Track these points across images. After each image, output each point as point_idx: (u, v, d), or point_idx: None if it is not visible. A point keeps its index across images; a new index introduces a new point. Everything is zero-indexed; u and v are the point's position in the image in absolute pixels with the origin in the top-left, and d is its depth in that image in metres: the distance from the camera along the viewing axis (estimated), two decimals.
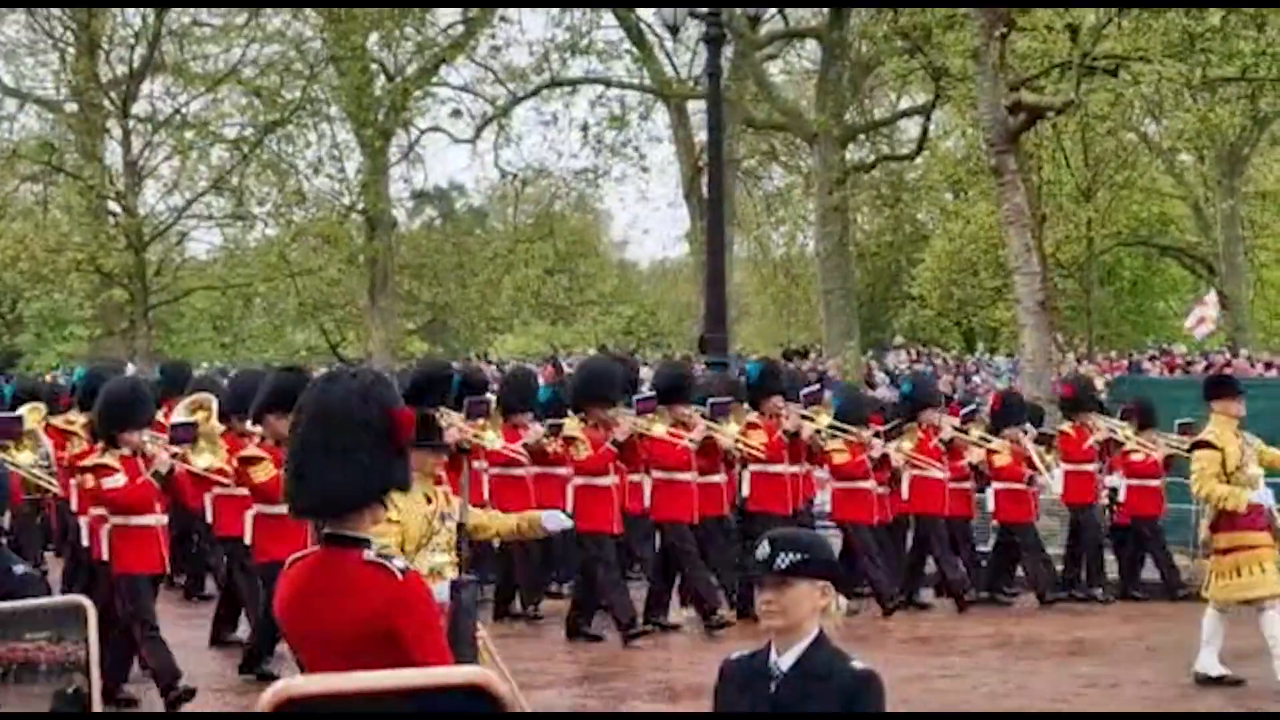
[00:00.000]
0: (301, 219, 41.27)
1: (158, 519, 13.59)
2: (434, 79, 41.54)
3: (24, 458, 15.42)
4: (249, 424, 14.86)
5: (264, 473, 14.03)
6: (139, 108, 40.47)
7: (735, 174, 43.46)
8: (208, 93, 40.79)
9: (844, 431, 18.49)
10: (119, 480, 13.31)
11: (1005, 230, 29.98)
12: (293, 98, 40.36)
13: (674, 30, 27.24)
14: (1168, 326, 52.26)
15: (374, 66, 40.63)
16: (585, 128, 41.96)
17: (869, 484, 18.56)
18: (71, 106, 40.55)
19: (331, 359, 45.66)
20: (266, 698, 3.03)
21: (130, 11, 40.27)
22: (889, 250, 51.51)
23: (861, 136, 44.17)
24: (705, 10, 25.18)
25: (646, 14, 39.67)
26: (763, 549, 5.79)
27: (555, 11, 40.38)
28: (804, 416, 18.19)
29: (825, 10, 39.61)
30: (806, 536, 6.07)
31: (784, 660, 5.68)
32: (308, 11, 40.58)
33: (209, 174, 40.21)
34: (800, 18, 43.18)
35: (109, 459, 13.37)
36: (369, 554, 5.91)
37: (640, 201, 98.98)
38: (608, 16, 41.31)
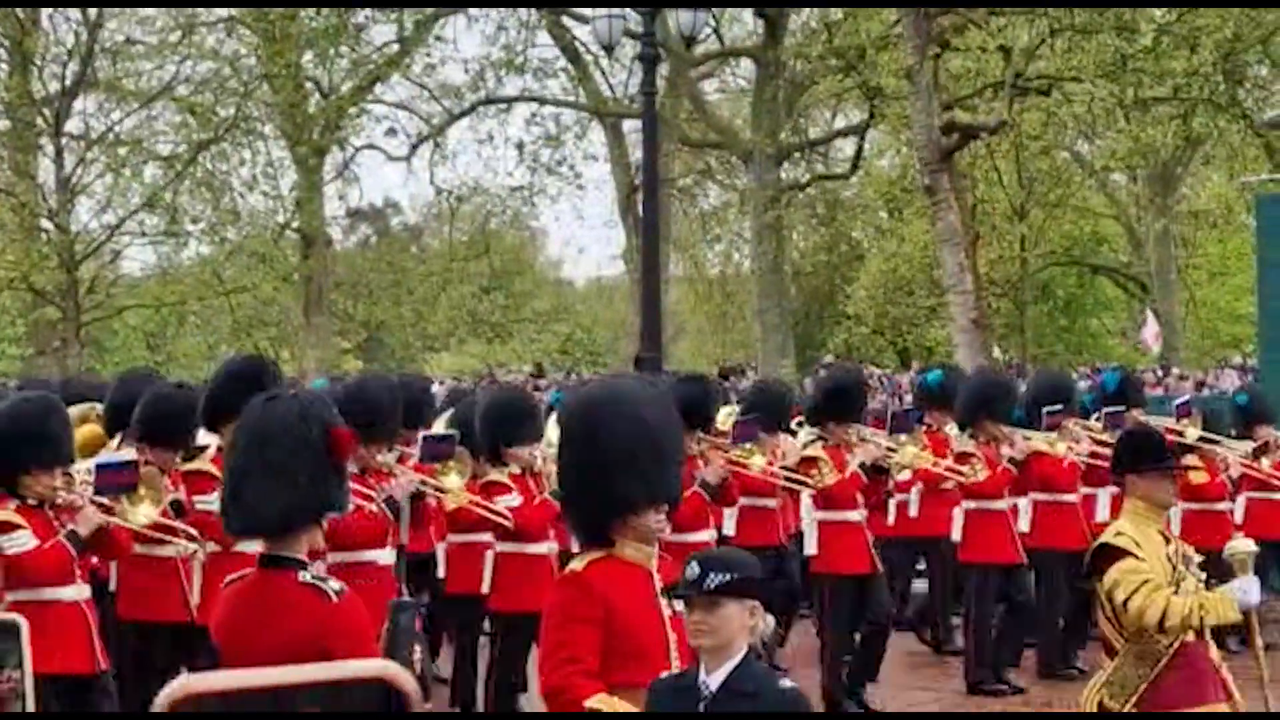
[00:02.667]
0: (236, 237, 41.10)
1: (77, 591, 9.61)
2: (369, 97, 41.49)
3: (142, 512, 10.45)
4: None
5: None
6: (72, 125, 40.26)
7: (671, 192, 43.53)
8: (141, 110, 40.60)
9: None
10: (22, 540, 9.45)
11: (939, 249, 30.17)
12: (227, 115, 40.19)
13: (609, 49, 27.22)
14: (1101, 345, 52.56)
15: (308, 84, 40.52)
16: (521, 146, 42.00)
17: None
18: (3, 123, 40.29)
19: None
20: (164, 695, 2.98)
21: (63, 28, 40.10)
22: (824, 269, 51.64)
23: (796, 155, 44.29)
24: (641, 30, 25.22)
25: (582, 32, 39.73)
26: (692, 569, 5.81)
27: (491, 30, 40.44)
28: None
29: (760, 29, 39.71)
30: (736, 556, 6.09)
31: (713, 679, 5.69)
32: (242, 29, 40.47)
33: (142, 191, 39.98)
34: (735, 37, 43.33)
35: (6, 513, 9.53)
36: (304, 576, 5.90)
37: (576, 220, 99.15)
38: (543, 35, 41.38)
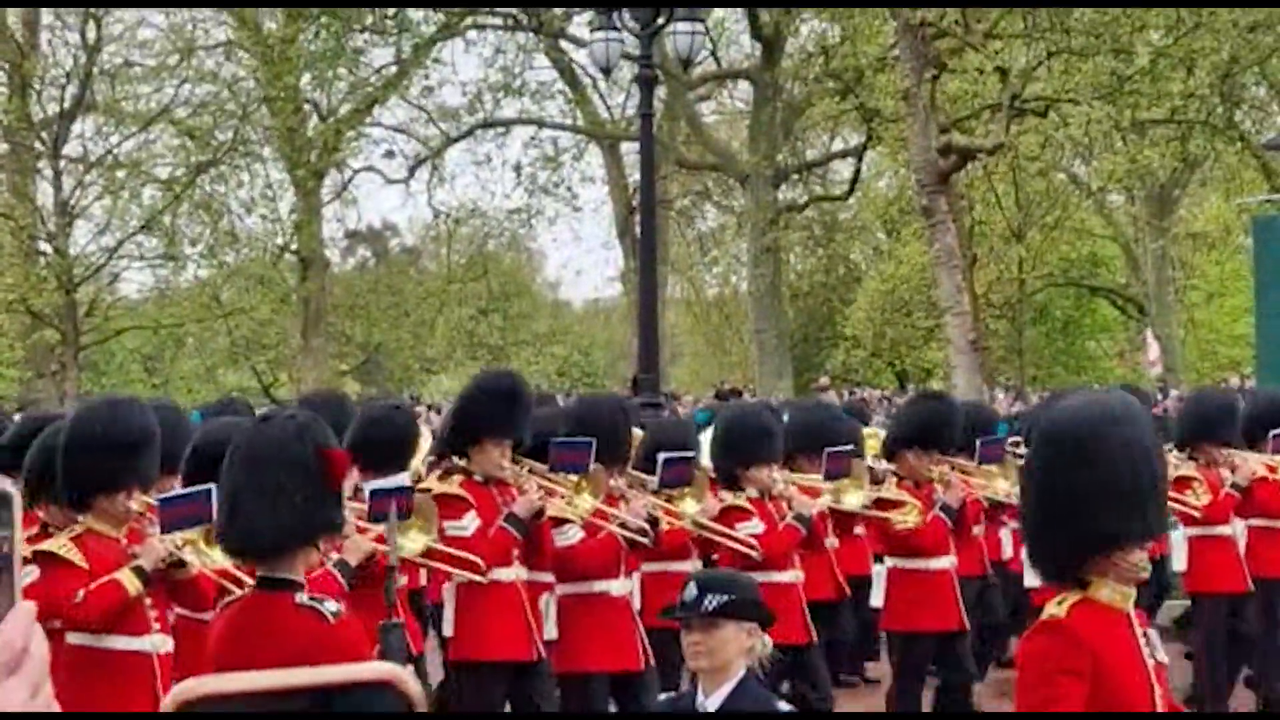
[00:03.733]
0: (234, 259, 41.12)
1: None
2: (367, 119, 41.52)
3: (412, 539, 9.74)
4: None
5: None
6: (70, 148, 40.28)
7: (668, 214, 43.59)
8: (140, 133, 40.61)
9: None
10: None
11: (937, 271, 30.15)
12: (225, 138, 40.23)
13: (606, 71, 27.20)
14: (1099, 367, 52.55)
15: (307, 107, 40.58)
16: (518, 168, 42.03)
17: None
18: (2, 146, 40.30)
19: (264, 400, 45.47)
20: (169, 697, 3.01)
21: (62, 51, 40.16)
22: (822, 290, 51.66)
23: (794, 177, 44.34)
24: (638, 52, 25.23)
25: (579, 55, 39.81)
26: (690, 590, 5.82)
27: (488, 52, 40.50)
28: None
29: (757, 52, 39.77)
30: (733, 578, 6.09)
31: (711, 701, 5.70)
32: (241, 52, 40.55)
33: (141, 214, 39.99)
34: (732, 59, 43.43)
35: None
36: (301, 597, 5.90)
37: (574, 242, 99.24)
38: (540, 58, 41.45)
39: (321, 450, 5.98)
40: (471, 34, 40.72)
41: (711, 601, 5.74)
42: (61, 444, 8.13)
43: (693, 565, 11.30)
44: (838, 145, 47.10)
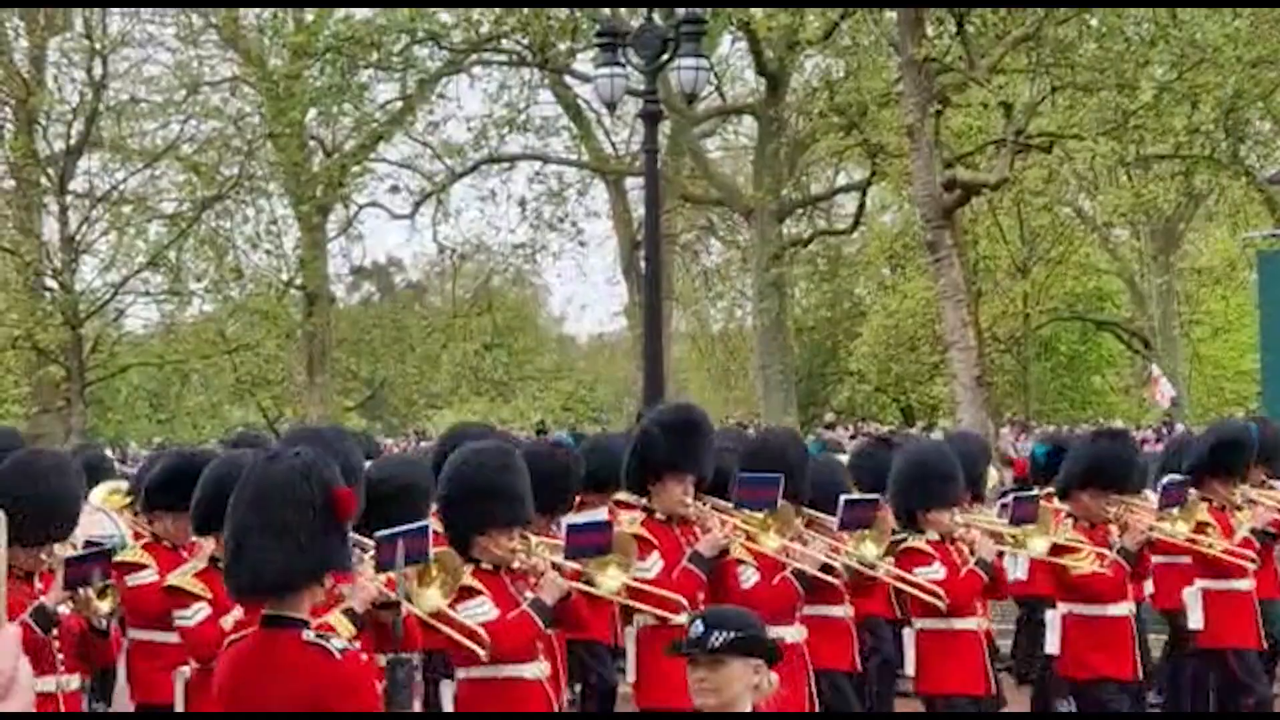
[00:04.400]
0: (239, 295, 41.18)
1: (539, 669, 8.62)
2: (372, 155, 41.58)
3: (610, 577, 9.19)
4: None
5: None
6: (76, 184, 40.36)
7: (673, 249, 43.61)
8: (145, 169, 40.73)
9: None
10: (484, 610, 8.52)
11: (941, 305, 30.15)
12: (231, 174, 40.32)
13: (611, 106, 27.25)
14: (1105, 401, 52.54)
15: (312, 143, 40.71)
16: (523, 203, 42.07)
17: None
18: (8, 182, 40.39)
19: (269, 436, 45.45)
20: None
21: (68, 87, 40.26)
22: (827, 325, 51.69)
23: (799, 212, 44.37)
24: (642, 87, 25.28)
25: (584, 90, 39.86)
26: (696, 627, 5.81)
27: (493, 88, 40.52)
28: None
29: (762, 87, 39.83)
30: (740, 615, 6.08)
31: None
32: (246, 88, 40.66)
33: (146, 250, 40.06)
34: (737, 94, 43.46)
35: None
36: (308, 635, 5.89)
37: (579, 277, 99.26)
38: (545, 93, 41.53)
39: (329, 488, 5.97)
40: (476, 70, 40.83)
41: (718, 638, 5.73)
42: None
43: (844, 610, 11.00)
44: (842, 180, 47.13)
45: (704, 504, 9.78)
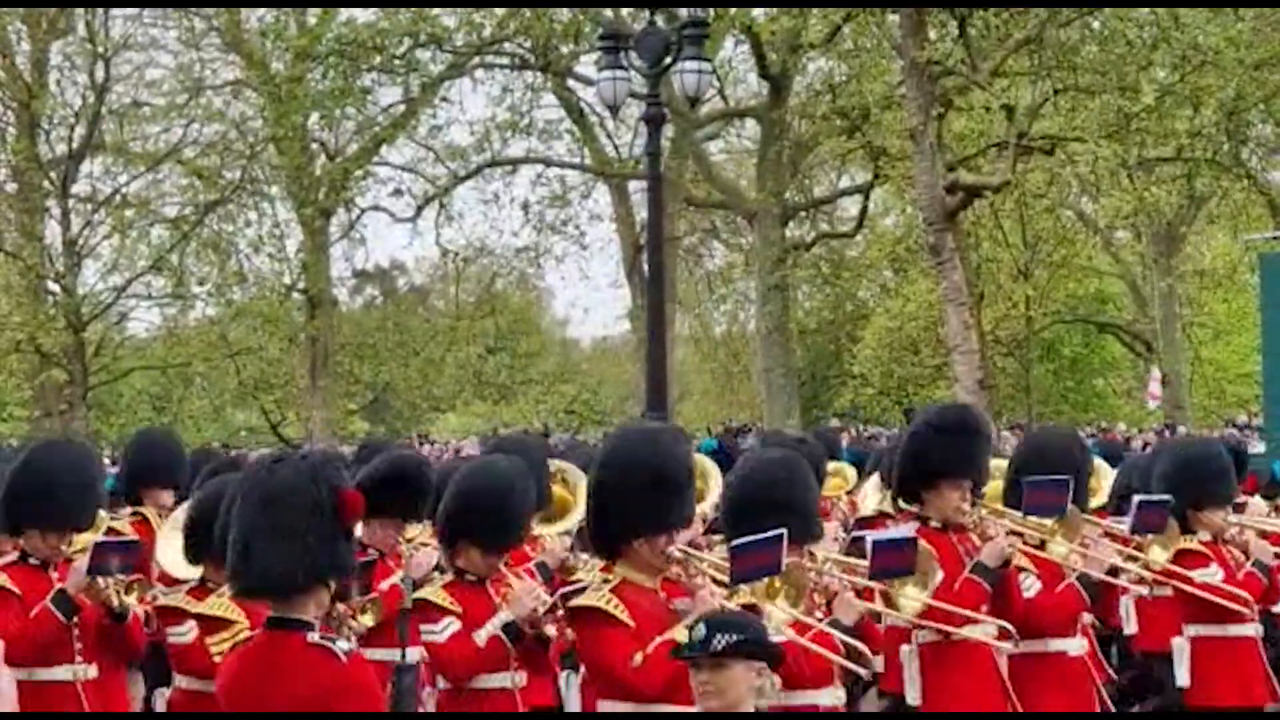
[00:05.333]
0: (242, 298, 41.19)
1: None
2: (374, 158, 41.58)
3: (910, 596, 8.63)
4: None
5: None
6: (79, 187, 40.42)
7: (676, 252, 43.58)
8: (148, 172, 40.77)
9: None
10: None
11: (944, 309, 30.18)
12: (233, 177, 40.38)
13: (614, 110, 27.31)
14: (1107, 404, 52.51)
15: (315, 146, 40.73)
16: (526, 206, 42.10)
17: None
18: (11, 186, 40.41)
19: (272, 439, 45.48)
20: None
21: (70, 91, 40.30)
22: (830, 328, 51.63)
23: (801, 215, 44.34)
24: (645, 91, 25.30)
25: (587, 93, 39.88)
26: (699, 630, 5.81)
27: (496, 91, 40.54)
28: None
29: (764, 90, 39.84)
30: (741, 617, 6.09)
31: None
32: (249, 91, 40.69)
33: (149, 253, 40.11)
34: (740, 98, 43.45)
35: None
36: (313, 637, 5.89)
37: (582, 280, 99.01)
38: (548, 96, 41.53)
39: (336, 491, 5.99)
40: (479, 73, 40.88)
41: (720, 641, 5.74)
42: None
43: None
44: (845, 183, 47.12)
45: (982, 510, 9.06)
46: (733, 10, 35.09)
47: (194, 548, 8.89)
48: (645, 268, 31.42)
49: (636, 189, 41.67)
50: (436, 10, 38.40)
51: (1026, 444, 10.32)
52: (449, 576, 8.72)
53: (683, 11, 26.81)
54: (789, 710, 7.50)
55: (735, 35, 37.96)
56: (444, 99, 41.01)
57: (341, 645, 5.94)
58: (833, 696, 7.80)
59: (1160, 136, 31.31)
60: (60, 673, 8.62)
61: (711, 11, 30.80)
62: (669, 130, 36.67)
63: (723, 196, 42.50)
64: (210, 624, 8.53)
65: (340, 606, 7.58)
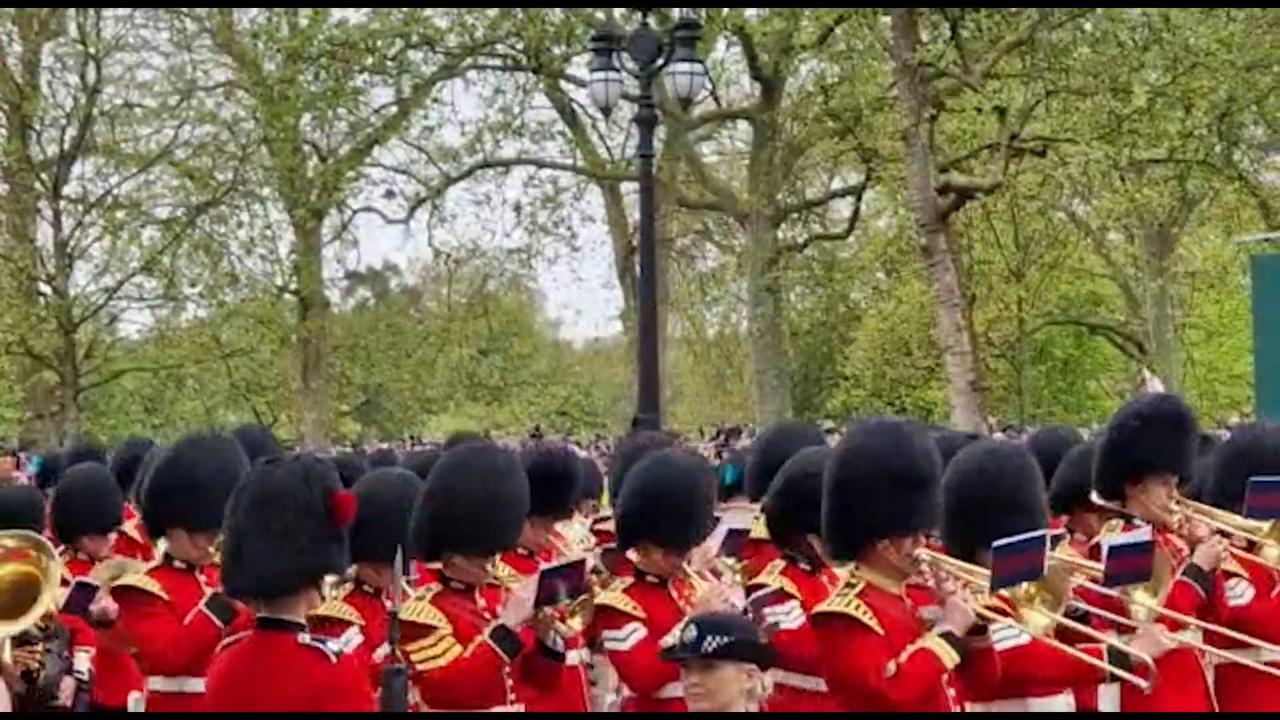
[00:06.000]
0: (233, 300, 41.17)
1: None
2: (367, 160, 41.57)
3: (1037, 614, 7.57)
4: None
5: None
6: (70, 189, 40.39)
7: (668, 254, 43.58)
8: (139, 173, 40.73)
9: None
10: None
11: (936, 310, 30.20)
12: (225, 179, 40.36)
13: (606, 111, 27.29)
14: (1099, 406, 52.50)
15: (306, 147, 40.67)
16: (518, 208, 42.08)
17: None
18: (2, 187, 40.39)
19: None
20: None
21: (62, 93, 40.28)
22: (822, 330, 51.64)
23: (794, 216, 44.35)
24: (638, 92, 25.31)
25: (579, 95, 39.86)
26: (689, 632, 5.81)
27: (488, 92, 40.55)
28: None
29: (757, 92, 39.86)
30: (733, 619, 6.08)
31: None
32: (240, 92, 40.67)
33: (140, 255, 40.08)
34: (732, 99, 43.47)
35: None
36: (303, 638, 5.88)
37: (574, 282, 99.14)
38: (540, 98, 41.53)
39: (329, 492, 5.98)
40: (471, 74, 40.87)
41: (711, 643, 5.74)
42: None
43: None
44: (837, 184, 47.12)
45: (1187, 509, 8.37)
46: (725, 11, 35.14)
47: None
48: (637, 269, 31.41)
49: (629, 190, 41.70)
50: (428, 11, 38.43)
51: (1238, 441, 9.41)
52: (629, 580, 8.21)
53: (675, 13, 26.85)
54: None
55: (727, 37, 38.00)
56: (436, 100, 41.04)
57: (332, 646, 5.93)
58: (1065, 703, 7.54)
59: (1152, 138, 31.34)
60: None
61: (703, 13, 30.84)
62: (661, 132, 36.70)
63: (715, 198, 42.50)
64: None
65: (548, 610, 7.32)
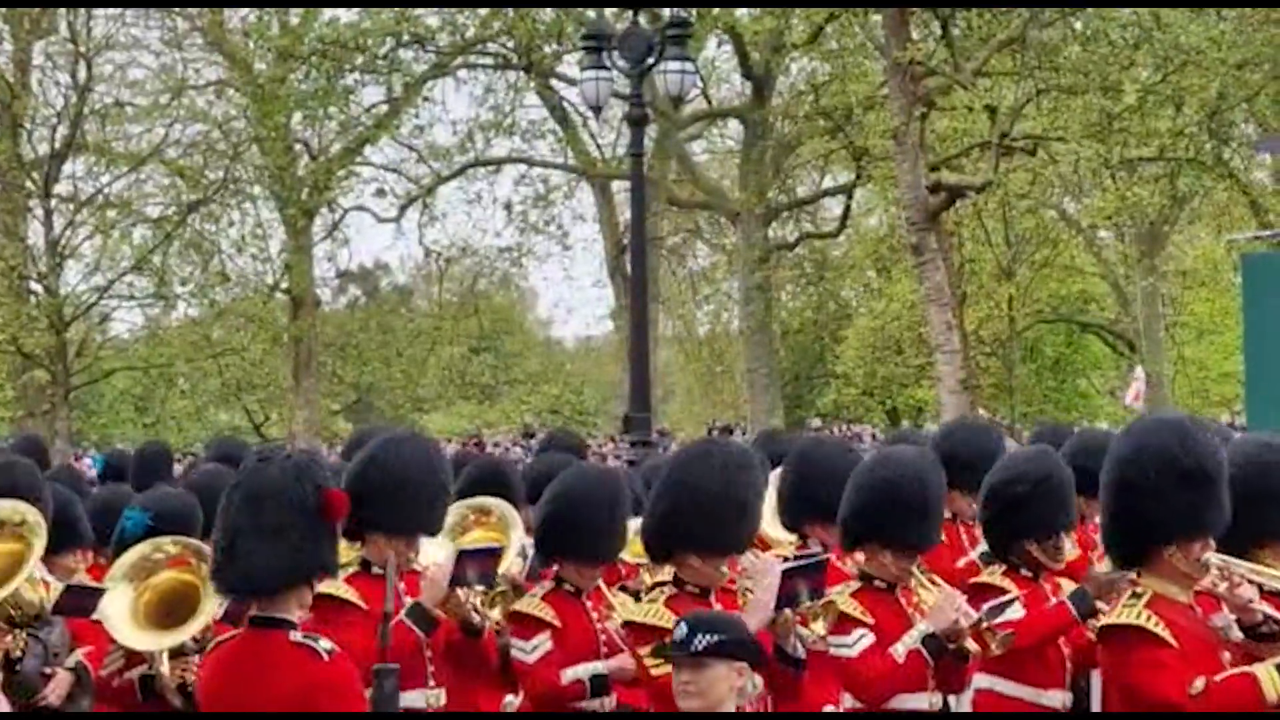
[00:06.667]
0: (224, 299, 41.14)
1: None
2: (358, 158, 41.53)
3: None
4: None
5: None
6: (61, 188, 40.27)
7: (659, 252, 43.60)
8: (130, 172, 40.67)
9: None
10: None
11: (927, 308, 30.20)
12: (216, 177, 40.30)
13: (597, 110, 27.29)
14: (1090, 404, 52.51)
15: (297, 146, 40.64)
16: (509, 206, 42.08)
17: None
18: None
19: (255, 440, 45.38)
20: None
21: (53, 91, 40.23)
22: (813, 328, 51.65)
23: (784, 215, 44.37)
24: (628, 91, 25.31)
25: (570, 93, 39.89)
26: (680, 629, 5.81)
27: (479, 91, 40.56)
28: None
29: (748, 90, 39.88)
30: (725, 618, 6.09)
31: None
32: (231, 91, 40.64)
33: (131, 254, 40.02)
34: (723, 98, 43.47)
35: None
36: (295, 635, 5.89)
37: (565, 280, 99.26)
38: (531, 96, 41.52)
39: (320, 490, 5.98)
40: (462, 73, 40.85)
41: (701, 641, 5.74)
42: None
43: None
44: (828, 183, 47.12)
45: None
46: (716, 10, 35.13)
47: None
48: (628, 268, 31.43)
49: (619, 189, 41.70)
50: (419, 10, 38.40)
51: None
52: (856, 584, 7.85)
53: (665, 12, 26.83)
54: None
55: (718, 35, 38.00)
56: (427, 99, 40.99)
57: (324, 644, 5.94)
58: None
59: (1143, 136, 31.35)
60: (413, 698, 7.63)
61: (694, 12, 30.82)
62: (652, 130, 36.70)
63: (706, 197, 42.52)
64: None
65: (788, 612, 6.99)
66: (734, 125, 44.34)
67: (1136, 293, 46.90)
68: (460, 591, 7.66)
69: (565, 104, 41.33)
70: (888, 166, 33.64)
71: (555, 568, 8.32)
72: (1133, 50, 30.25)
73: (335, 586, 7.57)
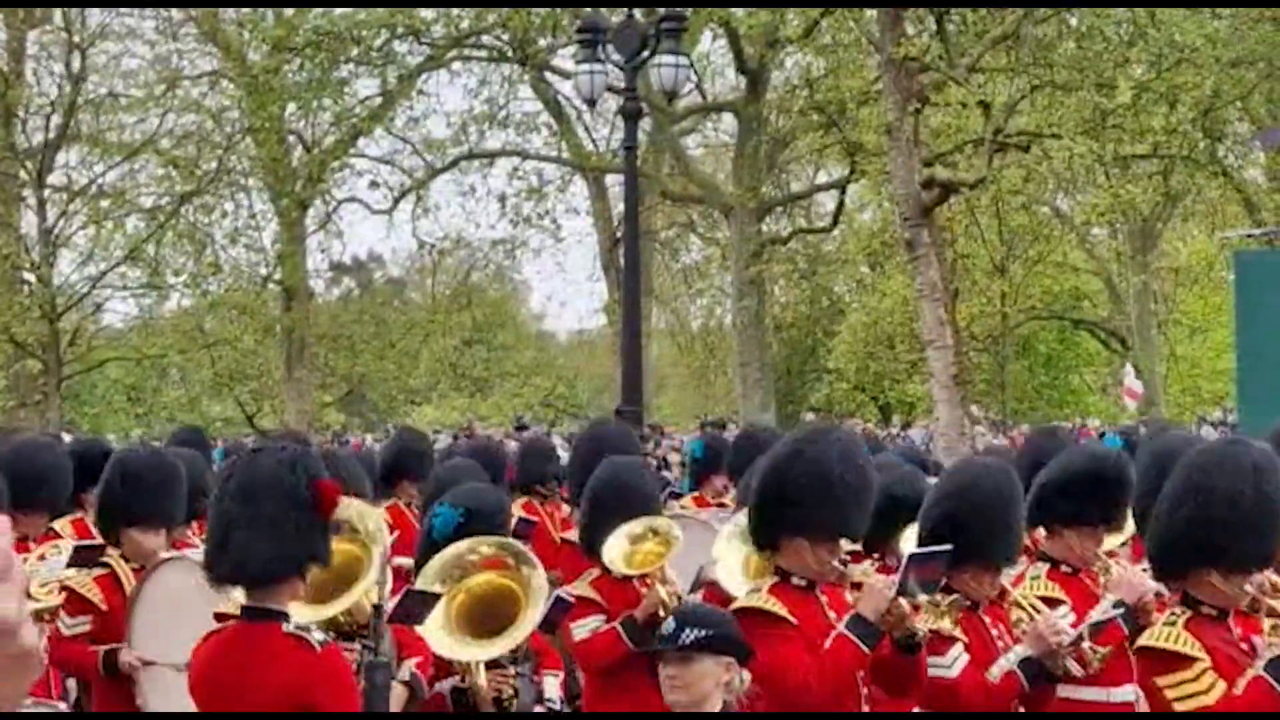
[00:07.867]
0: (217, 289, 41.12)
1: None
2: (351, 150, 41.52)
3: None
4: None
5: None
6: (55, 177, 40.32)
7: (652, 246, 43.62)
8: (124, 162, 40.66)
9: None
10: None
11: (919, 304, 30.17)
12: (209, 168, 40.30)
13: (591, 103, 27.30)
14: (1082, 401, 52.57)
15: (291, 137, 40.63)
16: (503, 199, 42.04)
17: None
18: None
19: (247, 430, 45.38)
20: None
21: (47, 81, 40.24)
22: (805, 323, 51.70)
23: (778, 209, 44.40)
24: (623, 85, 25.35)
25: (564, 87, 39.88)
26: (668, 624, 5.82)
27: (473, 84, 40.56)
28: None
29: (742, 84, 39.89)
30: (711, 612, 6.09)
31: None
32: (225, 82, 40.63)
33: (124, 244, 40.02)
34: (717, 92, 43.51)
35: None
36: (288, 626, 5.90)
37: (558, 273, 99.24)
38: (525, 89, 41.51)
39: (314, 481, 5.99)
40: (456, 65, 40.83)
41: (688, 635, 5.75)
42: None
43: None
44: (821, 178, 47.18)
45: None
46: (710, 5, 35.12)
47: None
48: (622, 261, 31.44)
49: (613, 182, 41.72)
50: (414, 5, 38.38)
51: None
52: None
53: (660, 7, 26.83)
54: None
55: (713, 29, 38.02)
56: (421, 91, 41.00)
57: (316, 635, 5.95)
58: None
59: (1137, 133, 31.35)
60: None
61: (689, 6, 30.82)
62: (646, 124, 36.74)
63: (699, 191, 42.51)
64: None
65: (903, 602, 6.63)
66: (728, 119, 44.36)
67: (1129, 290, 46.96)
68: (903, 603, 6.78)
69: (560, 97, 41.36)
70: (881, 162, 33.63)
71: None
72: (1127, 47, 30.25)
73: (761, 599, 6.75)
